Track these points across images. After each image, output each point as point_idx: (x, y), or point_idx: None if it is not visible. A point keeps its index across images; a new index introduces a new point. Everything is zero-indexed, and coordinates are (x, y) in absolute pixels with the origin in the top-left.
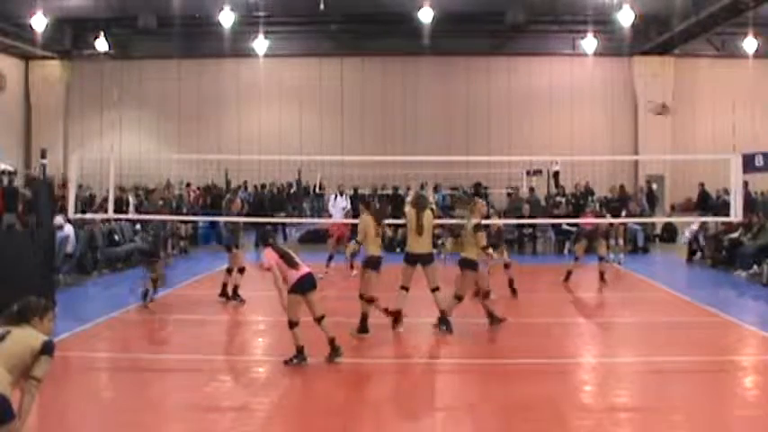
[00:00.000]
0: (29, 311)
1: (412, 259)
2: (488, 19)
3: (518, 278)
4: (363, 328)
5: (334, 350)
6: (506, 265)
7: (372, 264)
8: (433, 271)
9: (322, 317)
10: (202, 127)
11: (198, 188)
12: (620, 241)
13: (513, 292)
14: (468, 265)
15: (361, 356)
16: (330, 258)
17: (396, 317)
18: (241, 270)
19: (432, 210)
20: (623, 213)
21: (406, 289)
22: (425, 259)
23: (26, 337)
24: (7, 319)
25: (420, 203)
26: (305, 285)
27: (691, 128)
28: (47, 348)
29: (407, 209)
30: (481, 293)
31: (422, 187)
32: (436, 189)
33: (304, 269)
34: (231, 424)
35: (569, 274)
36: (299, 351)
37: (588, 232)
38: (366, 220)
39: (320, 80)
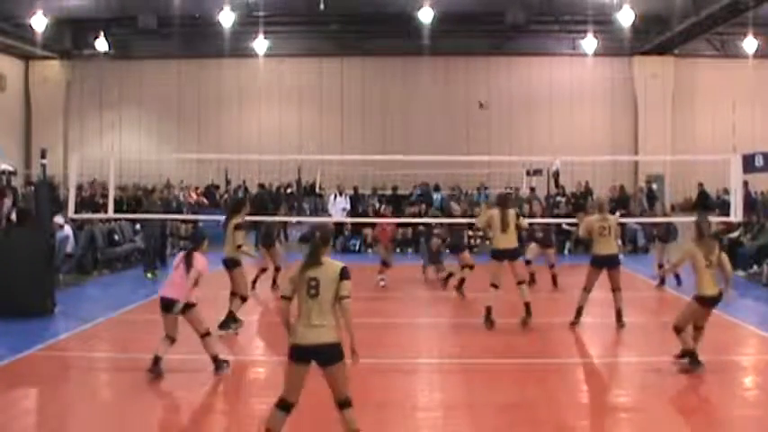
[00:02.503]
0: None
1: (500, 255)
2: (488, 19)
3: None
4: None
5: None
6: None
7: (496, 256)
8: (520, 266)
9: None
10: (202, 127)
11: (197, 188)
12: (619, 241)
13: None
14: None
15: (362, 356)
16: (385, 264)
17: (487, 313)
18: (278, 268)
19: (516, 209)
20: (617, 213)
21: (496, 287)
22: (512, 254)
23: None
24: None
25: (505, 203)
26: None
27: (691, 128)
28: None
29: (490, 208)
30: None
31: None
32: (436, 189)
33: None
34: (231, 424)
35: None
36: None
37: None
38: (492, 215)
39: (320, 80)
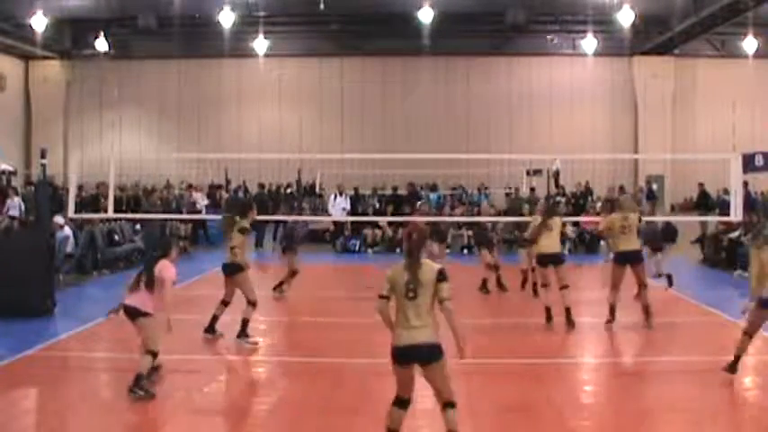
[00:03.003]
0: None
1: (545, 260)
2: (488, 19)
3: (518, 278)
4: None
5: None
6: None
7: (616, 259)
8: (563, 270)
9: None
10: (202, 127)
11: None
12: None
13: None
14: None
15: (362, 357)
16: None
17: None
18: (294, 273)
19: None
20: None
21: (546, 286)
22: (555, 259)
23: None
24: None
25: (549, 211)
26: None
27: (691, 128)
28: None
29: (536, 216)
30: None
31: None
32: (434, 189)
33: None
34: (231, 424)
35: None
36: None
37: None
38: (612, 219)
39: (320, 80)
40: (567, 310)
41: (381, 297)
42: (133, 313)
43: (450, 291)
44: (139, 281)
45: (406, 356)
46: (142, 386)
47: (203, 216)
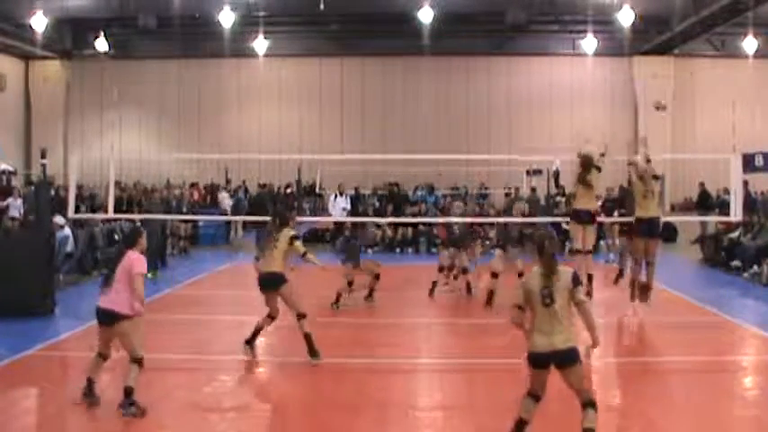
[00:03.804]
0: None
1: (646, 229)
2: (488, 19)
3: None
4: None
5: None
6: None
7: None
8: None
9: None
10: (202, 127)
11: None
12: (617, 241)
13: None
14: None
15: (362, 356)
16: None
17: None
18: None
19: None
20: (615, 213)
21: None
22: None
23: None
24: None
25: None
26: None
27: (691, 128)
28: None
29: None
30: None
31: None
32: (431, 190)
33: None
34: (231, 424)
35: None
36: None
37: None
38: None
39: (320, 80)
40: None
41: (516, 307)
42: (109, 317)
43: (584, 293)
44: (109, 279)
45: (543, 362)
46: (134, 402)
47: (203, 217)
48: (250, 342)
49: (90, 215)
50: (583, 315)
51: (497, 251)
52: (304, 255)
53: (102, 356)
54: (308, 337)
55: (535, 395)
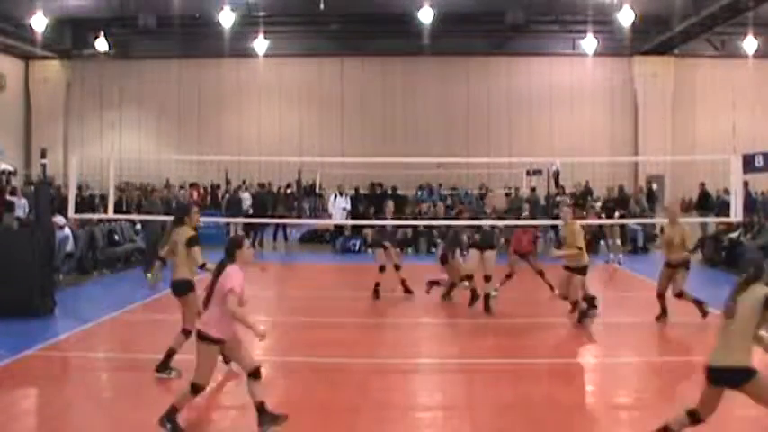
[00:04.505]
0: None
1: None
2: (488, 19)
3: (519, 277)
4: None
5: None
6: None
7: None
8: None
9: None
10: (202, 127)
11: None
12: (618, 241)
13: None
14: None
15: (362, 356)
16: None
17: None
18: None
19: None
20: (617, 214)
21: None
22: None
23: None
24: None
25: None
26: None
27: (691, 128)
28: None
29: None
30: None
31: None
32: (432, 192)
33: None
34: (231, 424)
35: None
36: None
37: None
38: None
39: (320, 80)
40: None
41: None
42: (204, 339)
43: None
44: (207, 299)
45: (715, 378)
46: (173, 419)
47: (250, 220)
48: (162, 367)
49: (90, 215)
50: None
51: (472, 251)
52: (203, 266)
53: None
54: (170, 352)
55: (696, 417)
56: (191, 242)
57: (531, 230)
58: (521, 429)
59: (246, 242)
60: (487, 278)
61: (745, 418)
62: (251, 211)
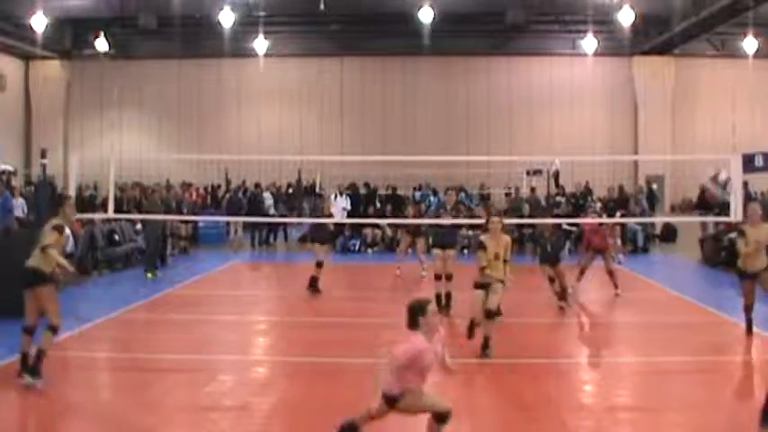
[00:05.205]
0: None
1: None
2: (488, 19)
3: (518, 277)
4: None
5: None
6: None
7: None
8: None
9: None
10: (202, 127)
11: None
12: (618, 241)
13: None
14: None
15: (361, 356)
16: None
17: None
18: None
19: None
20: (618, 214)
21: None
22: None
23: None
24: None
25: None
26: None
27: (691, 128)
28: None
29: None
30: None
31: None
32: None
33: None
34: (231, 424)
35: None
36: None
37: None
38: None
39: (320, 80)
40: None
41: None
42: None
43: None
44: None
45: None
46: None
47: (272, 219)
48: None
49: (90, 215)
50: None
51: (436, 251)
52: (44, 249)
53: None
54: (40, 354)
55: None
56: (55, 230)
57: (601, 230)
58: (521, 429)
59: (432, 306)
60: (448, 277)
61: (745, 418)
62: (271, 211)
